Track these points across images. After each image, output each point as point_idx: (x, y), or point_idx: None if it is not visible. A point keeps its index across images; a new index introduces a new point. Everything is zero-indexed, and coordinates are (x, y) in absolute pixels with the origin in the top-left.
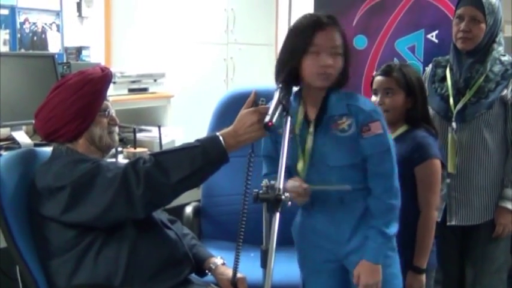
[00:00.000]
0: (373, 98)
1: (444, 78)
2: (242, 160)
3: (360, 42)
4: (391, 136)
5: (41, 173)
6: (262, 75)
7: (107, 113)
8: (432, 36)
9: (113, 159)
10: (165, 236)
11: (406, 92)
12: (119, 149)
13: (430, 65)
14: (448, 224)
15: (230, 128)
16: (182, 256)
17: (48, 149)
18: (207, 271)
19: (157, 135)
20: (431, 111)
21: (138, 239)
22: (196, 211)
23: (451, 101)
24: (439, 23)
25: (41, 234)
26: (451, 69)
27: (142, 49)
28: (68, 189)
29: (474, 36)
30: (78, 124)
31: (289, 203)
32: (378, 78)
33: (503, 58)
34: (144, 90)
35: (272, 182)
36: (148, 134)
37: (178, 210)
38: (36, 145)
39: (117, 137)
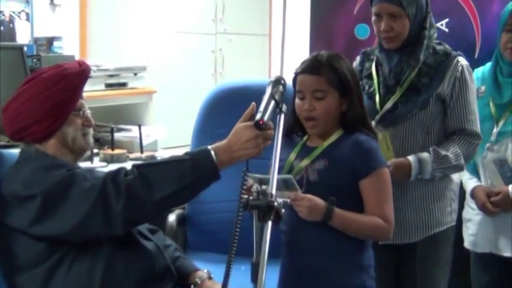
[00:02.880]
0: (298, 102)
1: (372, 74)
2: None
3: (361, 31)
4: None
5: (8, 178)
6: (254, 69)
7: (81, 112)
8: (442, 25)
9: (88, 163)
10: (144, 249)
11: (340, 91)
12: (95, 150)
13: (358, 58)
14: (380, 243)
15: (224, 142)
16: (163, 270)
17: (15, 151)
18: (192, 286)
19: (138, 135)
20: None
21: (114, 253)
22: (181, 219)
23: (377, 100)
24: (450, 10)
25: (7, 246)
26: (378, 65)
27: (121, 40)
28: (38, 198)
29: (398, 34)
30: (50, 123)
31: (283, 210)
32: (303, 77)
33: (438, 47)
34: (123, 85)
35: (264, 186)
36: (127, 134)
37: (160, 219)
38: (1, 147)
39: (91, 140)
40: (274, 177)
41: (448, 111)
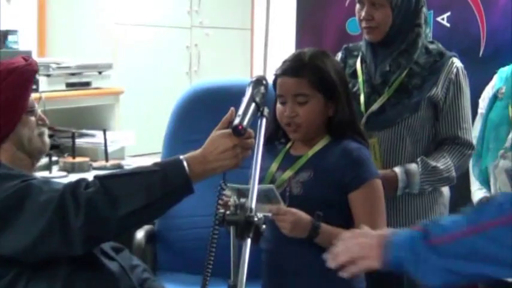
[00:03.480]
0: (279, 106)
1: (356, 73)
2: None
3: (354, 26)
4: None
5: None
6: (234, 67)
7: (34, 111)
8: (443, 19)
9: (46, 173)
10: (107, 270)
11: (325, 94)
12: (54, 158)
13: (339, 54)
14: None
15: (198, 151)
16: None
17: None
18: None
19: (102, 141)
20: None
21: (73, 274)
22: (150, 236)
23: (361, 100)
24: (452, 3)
25: None
26: (363, 61)
27: (84, 34)
28: None
29: (379, 25)
30: (3, 124)
31: (264, 226)
32: (283, 80)
33: (430, 46)
34: (86, 84)
35: (242, 200)
36: (90, 140)
37: (127, 236)
38: None
39: (48, 140)
40: (255, 188)
41: (440, 116)
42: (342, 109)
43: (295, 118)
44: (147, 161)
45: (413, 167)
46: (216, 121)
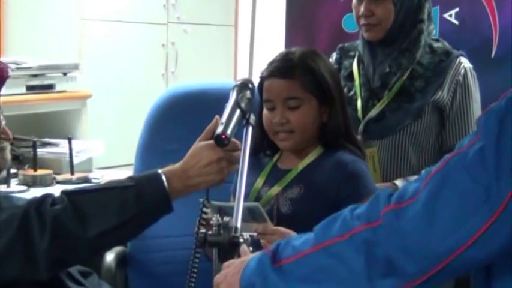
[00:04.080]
0: (266, 113)
1: (352, 75)
2: None
3: (350, 23)
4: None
5: None
6: (216, 69)
7: None
8: (450, 15)
9: (4, 187)
10: None
11: (319, 98)
12: (13, 170)
13: (334, 55)
14: None
15: (178, 165)
16: None
17: None
18: None
19: (67, 151)
20: None
21: None
22: (121, 259)
23: (358, 106)
24: None
25: None
26: (360, 62)
27: (46, 31)
28: None
29: (380, 21)
30: None
31: (250, 248)
32: (272, 82)
33: (435, 44)
34: (49, 87)
35: (226, 218)
36: (54, 150)
37: (96, 258)
38: None
39: (9, 156)
40: (240, 205)
41: (446, 123)
42: (336, 114)
43: (286, 125)
44: (118, 174)
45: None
46: (196, 129)
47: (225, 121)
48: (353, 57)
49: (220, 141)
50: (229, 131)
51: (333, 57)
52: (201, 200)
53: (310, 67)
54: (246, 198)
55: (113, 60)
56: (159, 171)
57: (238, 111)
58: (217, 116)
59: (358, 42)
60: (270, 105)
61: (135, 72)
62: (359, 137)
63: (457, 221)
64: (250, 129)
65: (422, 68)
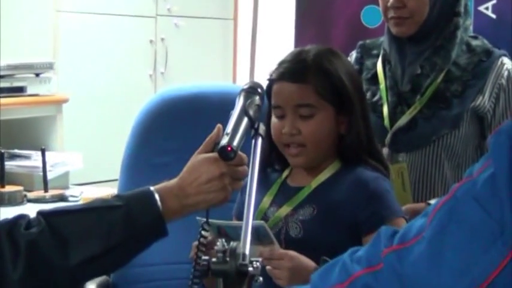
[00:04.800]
0: (275, 121)
1: (376, 77)
2: None
3: (370, 17)
4: None
5: None
6: (213, 69)
7: None
8: (487, 8)
9: None
10: None
11: (336, 106)
12: None
13: (353, 54)
14: None
15: (174, 181)
16: None
17: None
18: None
19: (40, 164)
20: None
21: None
22: None
23: (385, 113)
24: None
25: None
26: (386, 63)
27: (15, 25)
28: None
29: (413, 14)
30: None
31: (260, 278)
32: (282, 86)
33: (473, 42)
34: (19, 90)
35: (233, 243)
36: (25, 163)
37: None
38: None
39: None
40: (248, 228)
41: (487, 134)
42: (356, 124)
43: (296, 137)
44: (100, 192)
45: None
46: (190, 140)
47: (231, 131)
48: (376, 56)
49: (225, 154)
50: (235, 143)
51: (353, 56)
52: (198, 218)
53: (326, 69)
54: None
55: (93, 59)
56: (152, 188)
57: (245, 120)
58: (219, 125)
59: (383, 39)
60: (280, 112)
61: (119, 73)
62: (385, 150)
63: (466, 261)
64: (259, 140)
65: (459, 70)
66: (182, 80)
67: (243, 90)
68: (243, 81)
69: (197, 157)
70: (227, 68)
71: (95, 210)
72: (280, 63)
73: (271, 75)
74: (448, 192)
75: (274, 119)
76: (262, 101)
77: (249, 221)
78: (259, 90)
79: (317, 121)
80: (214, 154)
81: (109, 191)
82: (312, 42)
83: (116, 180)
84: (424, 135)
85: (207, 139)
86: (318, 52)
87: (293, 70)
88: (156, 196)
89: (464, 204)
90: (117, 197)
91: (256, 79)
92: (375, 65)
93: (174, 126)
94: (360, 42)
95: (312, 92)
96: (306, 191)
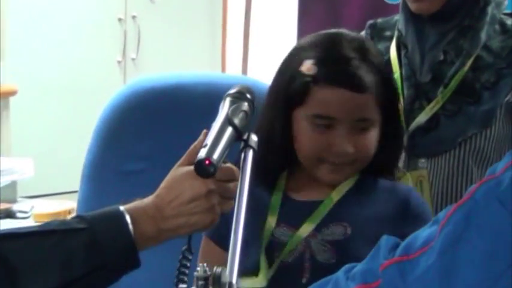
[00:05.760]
0: (311, 131)
1: (390, 65)
2: None
3: None
4: None
5: None
6: (197, 55)
7: None
8: None
9: None
10: None
11: (386, 113)
12: None
13: (363, 34)
14: None
15: (149, 200)
16: None
17: None
18: None
19: None
20: None
21: None
22: None
23: (400, 108)
24: None
25: None
26: (401, 47)
27: None
28: None
29: None
30: None
31: None
32: (339, 94)
33: (509, 21)
34: None
35: (216, 269)
36: None
37: None
38: None
39: None
40: (236, 253)
41: None
42: (398, 138)
43: (350, 155)
44: (55, 206)
45: None
46: (168, 142)
47: (211, 142)
48: (390, 38)
49: (202, 168)
50: (216, 155)
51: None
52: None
53: (387, 74)
54: (256, 241)
55: (48, 43)
56: (122, 208)
57: (229, 130)
58: (205, 131)
59: (398, 18)
60: (326, 122)
61: (80, 59)
62: (402, 155)
63: (486, 277)
64: (250, 153)
65: (490, 55)
66: (158, 68)
67: (228, 95)
68: (234, 70)
69: (178, 170)
70: (215, 54)
71: (51, 234)
72: (322, 60)
73: (313, 71)
74: (465, 194)
75: (309, 128)
76: (253, 108)
77: (237, 245)
78: (248, 95)
79: (371, 134)
80: None
81: (66, 205)
82: (319, 23)
83: (75, 192)
84: (447, 137)
85: (191, 148)
86: (367, 46)
87: (351, 74)
88: (127, 218)
89: (485, 207)
90: (78, 218)
91: (252, 66)
92: (388, 49)
93: (148, 126)
94: (370, 22)
95: (374, 103)
96: (327, 206)
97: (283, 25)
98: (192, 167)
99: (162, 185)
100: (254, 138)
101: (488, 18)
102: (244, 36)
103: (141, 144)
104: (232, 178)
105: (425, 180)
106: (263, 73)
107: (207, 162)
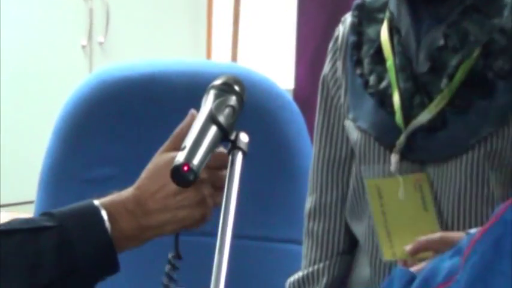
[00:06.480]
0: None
1: (381, 53)
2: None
3: None
4: None
5: None
6: (177, 38)
7: None
8: None
9: None
10: None
11: None
12: None
13: (348, 18)
14: None
15: (129, 192)
16: None
17: None
18: None
19: None
20: (355, 133)
21: None
22: None
23: (396, 105)
24: None
25: None
26: (393, 31)
27: None
28: None
29: None
30: None
31: None
32: None
33: None
34: None
35: None
36: None
37: None
38: None
39: None
40: (222, 273)
41: None
42: None
43: None
44: (9, 219)
45: None
46: (145, 142)
47: (191, 144)
48: (382, 21)
49: (179, 176)
50: (196, 160)
51: (346, 22)
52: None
53: None
54: None
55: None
56: (96, 202)
57: (213, 129)
58: (192, 111)
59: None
60: None
61: (38, 44)
62: (394, 157)
63: None
64: (239, 156)
65: (504, 38)
66: (130, 54)
67: (212, 87)
68: (221, 57)
69: (162, 157)
70: (198, 37)
71: (14, 233)
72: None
73: None
74: (491, 216)
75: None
76: (241, 102)
77: (222, 266)
78: (235, 87)
79: None
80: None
81: (23, 216)
82: (319, 3)
83: (31, 202)
84: (457, 138)
85: (177, 131)
86: None
87: None
88: (103, 213)
89: None
90: (46, 215)
91: (242, 52)
92: (378, 34)
93: (119, 124)
94: (357, 1)
95: None
96: None
97: (278, 6)
98: (176, 154)
99: (143, 174)
100: (244, 138)
101: (503, 1)
102: (234, 18)
103: (110, 146)
104: (226, 165)
105: (426, 184)
106: (255, 61)
107: (185, 168)
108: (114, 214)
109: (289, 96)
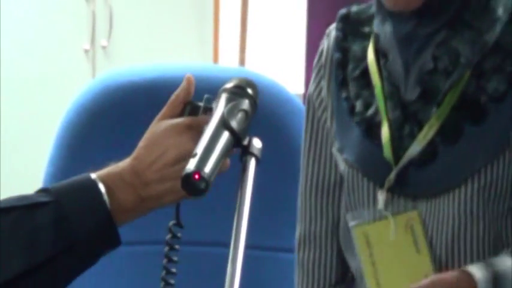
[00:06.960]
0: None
1: (367, 75)
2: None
3: None
4: None
5: None
6: (182, 42)
7: None
8: None
9: None
10: None
11: None
12: None
13: (332, 32)
14: None
15: (126, 163)
16: None
17: None
18: None
19: None
20: (342, 165)
21: None
22: None
23: (385, 136)
24: None
25: None
26: (380, 55)
27: None
28: None
29: None
30: None
31: None
32: None
33: None
34: None
35: None
36: None
37: None
38: None
39: None
40: (236, 278)
41: None
42: None
43: None
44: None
45: (504, 264)
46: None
47: (202, 151)
48: (367, 37)
49: (191, 185)
50: (207, 168)
51: (331, 36)
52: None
53: None
54: None
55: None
56: (93, 176)
57: (225, 135)
58: (188, 75)
59: (373, 10)
60: None
61: (39, 47)
62: (382, 195)
63: None
64: (252, 162)
65: (499, 53)
66: (134, 58)
67: (223, 90)
68: (228, 61)
69: (159, 125)
70: (204, 40)
71: (10, 211)
72: None
73: None
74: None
75: None
76: (255, 106)
77: (236, 274)
78: (249, 90)
79: None
80: (186, 119)
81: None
82: (330, 4)
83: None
84: (448, 172)
85: (172, 97)
86: None
87: None
88: (101, 187)
89: None
90: (43, 191)
91: (250, 56)
92: (364, 51)
93: (124, 130)
94: (342, 12)
95: None
96: None
97: (288, 8)
98: (175, 120)
99: (141, 144)
100: (257, 144)
101: (495, 15)
102: (241, 20)
103: (114, 154)
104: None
105: (418, 223)
106: (264, 65)
107: (196, 176)
108: (112, 186)
109: (299, 101)
